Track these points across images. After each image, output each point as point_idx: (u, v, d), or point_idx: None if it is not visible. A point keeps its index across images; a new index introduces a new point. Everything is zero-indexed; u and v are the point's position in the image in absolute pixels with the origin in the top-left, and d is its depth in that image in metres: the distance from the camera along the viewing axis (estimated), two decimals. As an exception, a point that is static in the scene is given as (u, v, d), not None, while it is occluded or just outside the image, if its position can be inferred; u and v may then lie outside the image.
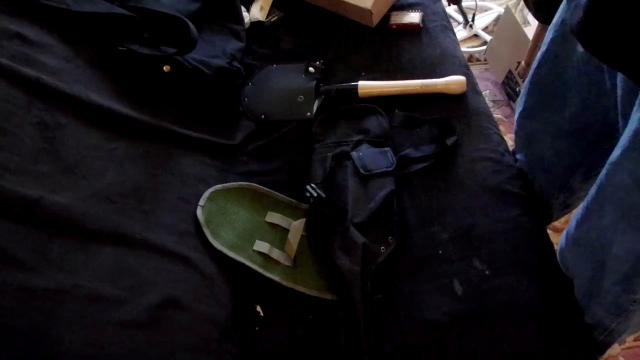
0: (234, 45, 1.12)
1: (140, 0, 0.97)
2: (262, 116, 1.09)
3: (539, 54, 0.92)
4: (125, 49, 0.93)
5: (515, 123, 1.07)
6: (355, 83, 1.09)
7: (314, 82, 1.11)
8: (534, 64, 0.94)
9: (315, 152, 1.01)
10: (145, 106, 0.93)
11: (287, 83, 1.13)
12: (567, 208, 1.11)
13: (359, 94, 1.08)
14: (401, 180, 0.96)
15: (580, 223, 0.80)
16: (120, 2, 0.96)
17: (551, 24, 0.88)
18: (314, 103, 1.09)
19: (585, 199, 0.78)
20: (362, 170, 0.95)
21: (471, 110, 1.05)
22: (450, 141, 0.97)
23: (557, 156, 0.97)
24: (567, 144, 0.93)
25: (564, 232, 0.86)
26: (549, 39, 0.88)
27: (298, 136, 1.06)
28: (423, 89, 1.07)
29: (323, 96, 1.11)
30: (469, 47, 1.95)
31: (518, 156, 1.09)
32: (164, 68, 0.97)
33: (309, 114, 1.07)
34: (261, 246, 0.87)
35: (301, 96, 1.09)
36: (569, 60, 0.84)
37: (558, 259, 0.88)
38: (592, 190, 0.76)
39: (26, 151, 0.70)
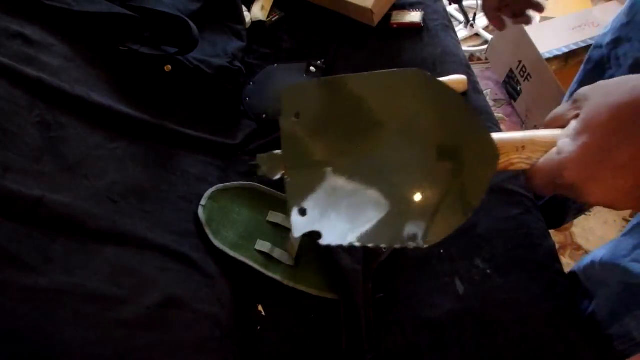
0: (235, 44, 1.12)
1: (142, 0, 0.97)
2: (264, 115, 1.09)
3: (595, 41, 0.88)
4: (126, 48, 0.93)
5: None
6: (357, 82, 1.09)
7: (315, 81, 1.10)
8: (586, 57, 0.90)
9: (317, 151, 1.01)
10: (147, 106, 0.93)
11: (289, 82, 1.13)
12: (580, 213, 1.09)
13: (360, 94, 1.08)
14: (402, 180, 0.96)
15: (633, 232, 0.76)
16: (121, 1, 0.96)
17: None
18: (315, 102, 1.08)
19: None
20: (363, 170, 0.95)
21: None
22: (451, 140, 0.97)
23: None
24: None
25: (610, 243, 0.82)
26: (616, 26, 0.84)
27: (299, 135, 1.06)
28: (424, 88, 1.07)
29: (324, 95, 1.10)
30: (470, 46, 1.95)
31: None
32: (165, 68, 0.97)
33: (310, 113, 1.07)
34: (263, 245, 0.87)
35: (302, 95, 1.09)
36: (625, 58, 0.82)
37: (580, 266, 0.85)
38: None
39: (28, 151, 0.70)
